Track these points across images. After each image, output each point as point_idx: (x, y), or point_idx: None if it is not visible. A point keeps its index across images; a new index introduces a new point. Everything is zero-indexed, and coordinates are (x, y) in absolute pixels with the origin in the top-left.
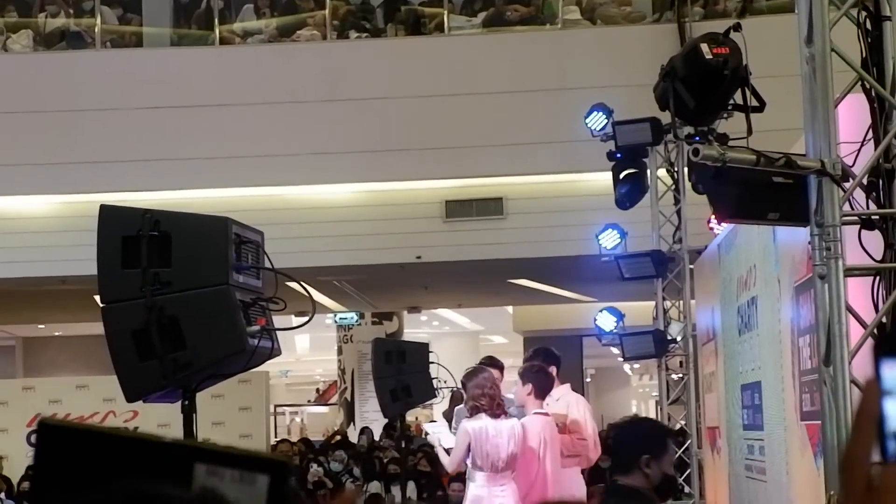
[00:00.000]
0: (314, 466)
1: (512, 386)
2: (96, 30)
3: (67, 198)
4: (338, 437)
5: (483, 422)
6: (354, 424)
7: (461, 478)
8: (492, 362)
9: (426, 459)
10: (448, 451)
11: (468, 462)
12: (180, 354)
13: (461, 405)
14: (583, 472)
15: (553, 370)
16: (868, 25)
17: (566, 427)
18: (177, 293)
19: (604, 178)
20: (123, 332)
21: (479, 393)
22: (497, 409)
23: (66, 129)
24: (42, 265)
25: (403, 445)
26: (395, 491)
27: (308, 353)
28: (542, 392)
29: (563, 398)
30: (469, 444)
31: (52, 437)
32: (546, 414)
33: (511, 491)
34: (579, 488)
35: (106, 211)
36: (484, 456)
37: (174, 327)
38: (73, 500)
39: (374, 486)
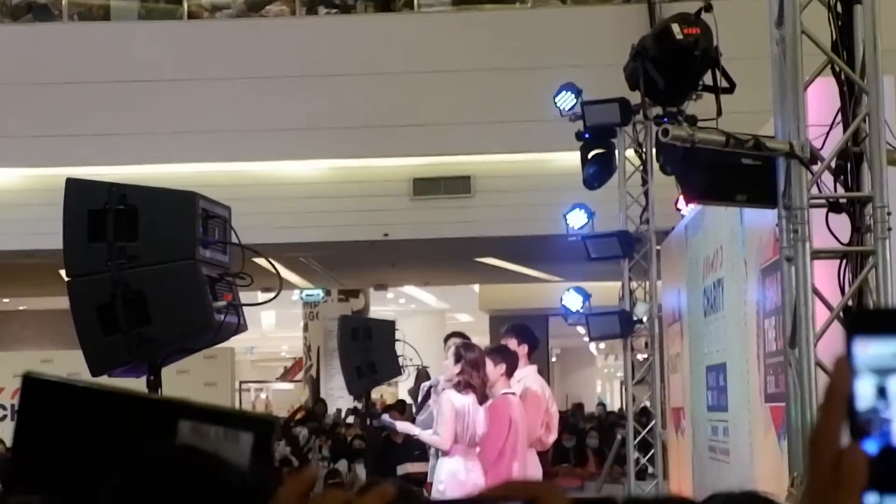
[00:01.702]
0: (280, 444)
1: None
2: (63, 2)
3: (33, 171)
4: (301, 413)
5: (469, 398)
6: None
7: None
8: (460, 336)
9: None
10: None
11: None
12: (145, 329)
13: (428, 380)
14: (545, 453)
15: (524, 348)
16: (839, 8)
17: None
18: (143, 267)
19: (572, 158)
20: (88, 306)
21: (476, 374)
22: (483, 391)
23: (33, 102)
24: (7, 239)
25: (369, 423)
26: (360, 469)
27: (274, 330)
28: (511, 371)
29: (523, 379)
30: (455, 416)
31: (36, 390)
32: (514, 394)
33: (479, 469)
34: (536, 471)
35: (72, 184)
36: (465, 430)
37: (140, 302)
38: (58, 453)
39: (342, 465)
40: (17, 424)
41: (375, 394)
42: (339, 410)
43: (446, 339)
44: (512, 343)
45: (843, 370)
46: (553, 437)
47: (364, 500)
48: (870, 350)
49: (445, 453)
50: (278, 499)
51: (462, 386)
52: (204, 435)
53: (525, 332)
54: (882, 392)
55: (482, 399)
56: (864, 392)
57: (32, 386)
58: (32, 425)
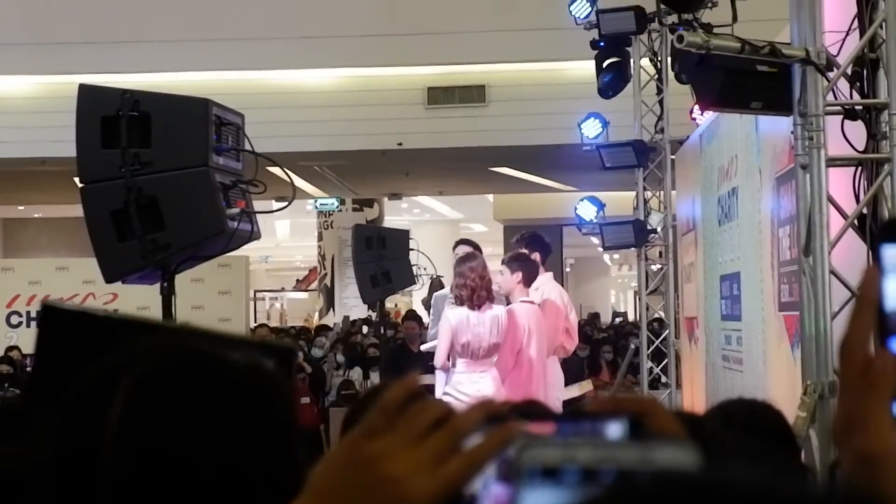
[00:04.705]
0: None
1: (495, 275)
2: None
3: (48, 78)
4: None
5: (464, 311)
6: (334, 310)
7: None
8: (469, 244)
9: None
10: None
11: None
12: (159, 235)
13: (441, 290)
14: (566, 361)
15: (536, 256)
16: None
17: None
18: (156, 174)
19: (587, 67)
20: (102, 212)
21: (462, 283)
22: (477, 300)
23: (47, 9)
24: (22, 146)
25: (383, 331)
26: (375, 377)
27: (288, 239)
28: (529, 280)
29: (541, 287)
30: (452, 334)
31: (55, 319)
32: (532, 302)
33: (490, 377)
34: (558, 378)
35: (85, 91)
36: (464, 344)
37: (153, 208)
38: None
39: (357, 373)
40: (37, 354)
41: (389, 303)
42: (346, 318)
43: (454, 247)
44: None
45: (873, 278)
46: (575, 343)
47: (465, 417)
48: None
49: (448, 367)
50: (383, 402)
51: (455, 301)
52: None
53: (537, 241)
54: None
55: (478, 304)
56: (893, 292)
57: (51, 315)
58: (51, 355)
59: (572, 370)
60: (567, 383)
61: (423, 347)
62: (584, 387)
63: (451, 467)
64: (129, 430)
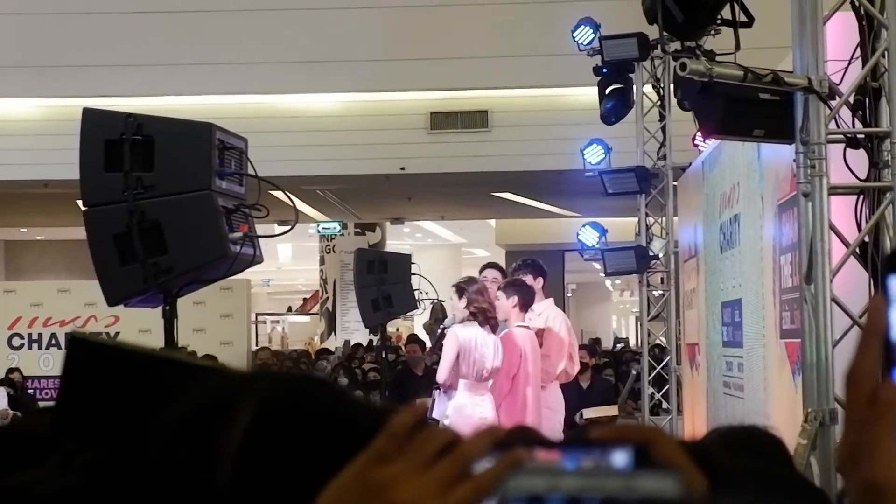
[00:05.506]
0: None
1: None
2: None
3: (51, 101)
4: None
5: (474, 330)
6: (335, 334)
7: None
8: (496, 268)
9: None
10: None
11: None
12: (162, 259)
13: (446, 321)
14: (572, 384)
15: (540, 282)
16: None
17: (541, 338)
18: (159, 198)
19: (589, 93)
20: (105, 235)
21: (481, 299)
22: (494, 324)
23: (51, 32)
24: (24, 168)
25: (384, 355)
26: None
27: (290, 263)
28: (525, 306)
29: (544, 313)
30: (458, 350)
31: (82, 351)
32: (527, 327)
33: (489, 401)
34: (559, 403)
35: (89, 114)
36: (471, 364)
37: (156, 232)
38: (109, 417)
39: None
40: (62, 384)
41: (391, 327)
42: (347, 342)
43: (481, 271)
44: (528, 278)
45: (879, 308)
46: (577, 368)
47: (473, 444)
48: None
49: (448, 387)
50: (391, 428)
51: (475, 317)
52: None
53: (536, 267)
54: None
55: (494, 327)
56: None
57: (78, 347)
58: (78, 386)
59: (597, 392)
60: (595, 404)
61: None
62: (603, 411)
63: (459, 494)
64: (253, 449)
